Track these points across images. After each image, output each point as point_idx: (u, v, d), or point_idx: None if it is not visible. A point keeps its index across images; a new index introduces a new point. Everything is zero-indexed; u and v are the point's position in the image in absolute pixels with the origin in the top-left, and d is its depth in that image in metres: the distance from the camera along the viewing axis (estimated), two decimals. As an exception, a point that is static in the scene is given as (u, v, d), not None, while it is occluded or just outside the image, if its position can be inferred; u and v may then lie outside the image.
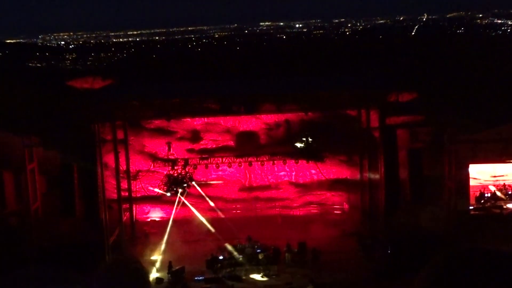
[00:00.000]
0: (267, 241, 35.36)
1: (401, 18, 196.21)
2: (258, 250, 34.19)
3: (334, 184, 42.29)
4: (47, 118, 35.08)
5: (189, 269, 33.31)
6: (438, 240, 31.67)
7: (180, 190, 37.73)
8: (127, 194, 39.18)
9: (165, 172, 38.94)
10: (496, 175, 37.03)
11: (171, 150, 39.46)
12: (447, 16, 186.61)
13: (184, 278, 32.41)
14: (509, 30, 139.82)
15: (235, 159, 38.83)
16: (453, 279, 2.45)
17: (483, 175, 37.00)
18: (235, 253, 34.19)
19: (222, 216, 38.13)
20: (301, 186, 42.84)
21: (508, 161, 34.95)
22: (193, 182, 38.34)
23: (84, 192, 33.66)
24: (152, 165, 40.36)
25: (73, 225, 33.94)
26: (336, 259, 33.92)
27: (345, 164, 42.03)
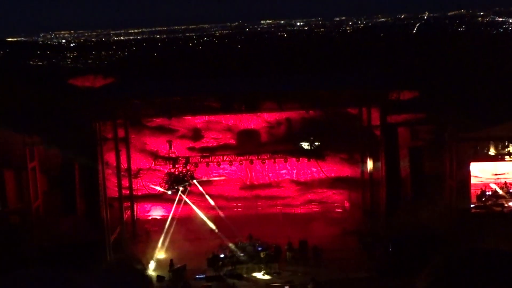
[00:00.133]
0: (268, 239, 35.36)
1: (402, 16, 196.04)
2: (259, 248, 34.19)
3: (335, 182, 42.29)
4: (48, 116, 35.09)
5: (190, 267, 33.34)
6: (439, 238, 31.68)
7: (181, 188, 37.72)
8: (128, 192, 39.20)
9: (166, 170, 38.90)
10: (497, 173, 37.02)
11: (172, 148, 39.41)
12: (448, 14, 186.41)
13: (185, 276, 32.43)
14: (510, 28, 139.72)
15: (236, 157, 38.79)
16: (454, 279, 2.46)
17: (484, 173, 36.99)
18: (236, 251, 34.22)
19: (222, 214, 38.09)
20: (302, 184, 42.83)
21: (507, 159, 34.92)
22: (194, 180, 38.32)
23: (85, 190, 33.68)
24: (153, 163, 40.34)
25: (74, 224, 33.96)
26: (337, 257, 33.92)
27: (346, 162, 42.02)
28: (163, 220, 39.67)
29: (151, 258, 34.57)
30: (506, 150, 34.28)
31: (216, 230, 36.73)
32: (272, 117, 42.02)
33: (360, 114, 37.94)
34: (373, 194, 36.36)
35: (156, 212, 41.76)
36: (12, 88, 42.58)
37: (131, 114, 36.54)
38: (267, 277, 32.48)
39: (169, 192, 37.88)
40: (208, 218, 37.79)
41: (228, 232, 36.54)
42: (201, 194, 38.56)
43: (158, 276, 32.04)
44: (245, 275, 32.72)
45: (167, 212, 40.57)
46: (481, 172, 36.78)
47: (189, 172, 38.00)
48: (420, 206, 33.83)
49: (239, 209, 41.91)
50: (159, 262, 34.30)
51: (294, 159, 39.41)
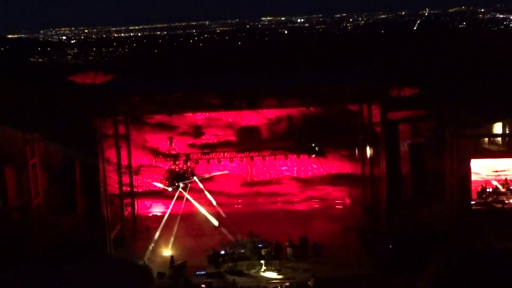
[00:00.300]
0: (268, 236, 35.39)
1: (403, 13, 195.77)
2: (260, 245, 34.23)
3: (336, 179, 42.31)
4: (48, 113, 35.08)
5: (191, 263, 33.37)
6: (440, 236, 31.71)
7: (181, 185, 37.75)
8: (128, 189, 39.24)
9: (166, 167, 38.95)
10: (498, 170, 37.00)
11: (173, 145, 39.46)
12: (449, 11, 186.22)
13: (185, 273, 32.47)
14: (511, 25, 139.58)
15: (236, 154, 38.84)
16: (456, 278, 2.44)
17: (485, 170, 36.97)
18: (237, 248, 34.26)
19: (222, 211, 38.13)
20: (302, 181, 42.86)
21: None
22: (195, 177, 38.34)
23: (85, 187, 33.69)
24: (154, 160, 40.37)
25: (74, 221, 33.99)
26: (337, 254, 33.96)
27: (347, 159, 42.03)
28: (164, 216, 39.72)
29: (153, 255, 34.62)
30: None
31: (218, 225, 36.82)
32: (273, 113, 42.05)
33: (360, 110, 37.94)
34: (374, 191, 36.36)
35: (157, 209, 41.80)
36: (13, 85, 42.55)
37: (131, 111, 36.53)
38: (267, 273, 32.52)
39: (170, 189, 37.93)
40: (209, 215, 37.83)
41: (229, 229, 36.58)
42: (202, 191, 38.60)
43: (158, 273, 32.07)
44: (245, 272, 32.77)
45: (167, 209, 40.62)
46: (483, 169, 36.76)
47: (189, 169, 38.04)
48: (421, 203, 33.85)
49: (239, 206, 41.95)
50: (161, 259, 34.33)
51: (295, 156, 39.45)
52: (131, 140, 40.02)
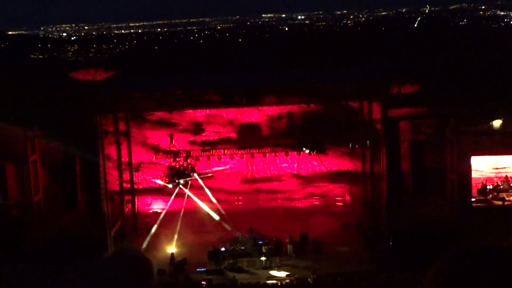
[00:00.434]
0: (269, 232, 35.43)
1: (404, 10, 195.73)
2: (260, 242, 34.26)
3: (336, 176, 42.30)
4: (49, 110, 35.07)
5: (191, 260, 33.40)
6: (440, 232, 31.72)
7: (182, 182, 37.78)
8: (129, 186, 39.26)
9: (167, 164, 38.97)
10: (498, 167, 37.02)
11: (173, 141, 39.48)
12: (450, 8, 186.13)
13: (185, 270, 32.50)
14: (511, 22, 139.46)
15: (237, 151, 38.85)
16: (467, 279, 2.38)
17: (486, 167, 36.99)
18: (237, 245, 34.29)
19: (221, 208, 38.17)
20: (303, 178, 42.86)
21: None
22: (195, 174, 38.37)
23: (86, 184, 33.71)
24: (154, 156, 40.37)
25: (75, 217, 34.01)
26: (337, 250, 34.00)
27: (347, 156, 42.03)
28: (164, 213, 39.74)
29: (153, 251, 34.64)
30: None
31: (222, 221, 36.88)
32: (273, 110, 42.02)
33: (361, 107, 37.92)
34: (374, 188, 36.35)
35: (157, 206, 41.80)
36: (13, 81, 42.56)
37: (132, 107, 36.55)
38: (267, 270, 32.54)
39: (170, 186, 37.97)
40: (210, 210, 37.88)
41: (229, 225, 36.64)
42: (202, 188, 38.63)
43: (158, 270, 32.07)
44: (245, 269, 32.80)
45: (168, 206, 40.64)
46: (486, 167, 36.79)
47: (190, 166, 38.06)
48: (421, 200, 33.85)
49: (240, 203, 41.96)
50: (161, 256, 34.36)
51: (295, 153, 39.44)
52: (132, 137, 40.04)
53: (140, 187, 41.21)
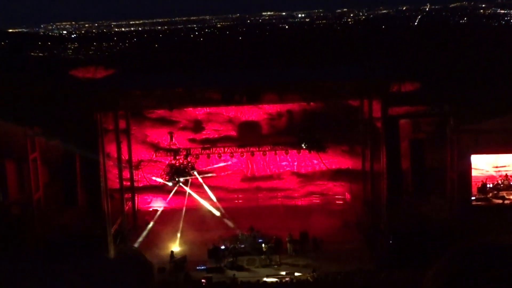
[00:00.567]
0: (269, 231, 35.43)
1: (404, 8, 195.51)
2: (260, 240, 34.27)
3: (336, 174, 42.32)
4: (49, 108, 35.02)
5: (191, 258, 33.41)
6: (440, 231, 31.72)
7: (181, 180, 37.78)
8: (129, 184, 39.25)
9: (167, 162, 38.98)
10: (498, 165, 36.97)
11: (173, 140, 39.48)
12: (450, 6, 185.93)
13: (185, 268, 32.51)
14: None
15: (237, 149, 38.84)
16: (468, 278, 2.36)
17: (486, 165, 36.93)
18: (237, 243, 34.29)
19: (221, 206, 38.18)
20: (303, 176, 42.87)
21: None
22: (195, 172, 38.36)
23: (86, 182, 33.66)
24: (154, 154, 40.39)
25: (75, 215, 33.99)
26: (337, 249, 33.99)
27: (347, 154, 42.03)
28: (164, 211, 39.76)
29: (153, 249, 34.68)
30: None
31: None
32: (273, 109, 42.03)
33: (361, 106, 37.90)
34: (374, 186, 36.34)
35: (157, 204, 41.82)
36: (13, 79, 42.54)
37: (132, 105, 36.52)
38: (267, 268, 32.54)
39: (170, 184, 37.98)
40: (209, 210, 37.88)
41: (229, 224, 36.66)
42: (202, 186, 38.64)
43: (158, 268, 32.11)
44: (245, 267, 32.81)
45: (168, 204, 40.66)
46: (487, 166, 36.73)
47: (190, 164, 38.06)
48: (421, 198, 33.83)
49: (240, 201, 41.98)
50: (160, 254, 34.38)
51: (295, 151, 39.43)
52: (132, 135, 40.04)
53: (140, 185, 41.22)
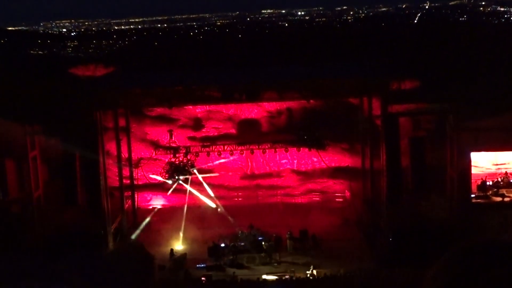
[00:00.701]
0: (269, 228, 35.45)
1: (404, 6, 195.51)
2: (260, 238, 34.28)
3: (336, 172, 42.31)
4: (49, 106, 35.03)
5: (191, 256, 33.42)
6: (440, 229, 31.73)
7: (181, 178, 37.79)
8: (129, 181, 39.25)
9: (166, 160, 38.97)
10: (498, 163, 36.99)
11: (173, 137, 39.47)
12: (450, 4, 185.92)
13: (185, 265, 32.51)
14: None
15: (237, 147, 38.84)
16: (471, 276, 2.35)
17: (485, 163, 36.95)
18: (237, 241, 34.30)
19: (220, 204, 38.20)
20: (302, 174, 42.86)
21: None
22: (195, 170, 38.36)
23: (86, 180, 33.69)
24: (154, 152, 40.39)
25: (75, 213, 34.01)
26: (337, 247, 33.99)
27: (347, 152, 42.03)
28: (164, 209, 39.79)
29: (156, 247, 34.69)
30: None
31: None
32: (273, 106, 42.02)
33: (361, 103, 37.90)
34: (374, 184, 36.36)
35: (157, 202, 41.83)
36: (13, 77, 42.51)
37: (132, 103, 36.53)
38: (267, 266, 32.55)
39: (170, 182, 37.98)
40: (209, 207, 37.89)
41: (229, 221, 36.65)
42: (202, 184, 38.64)
43: (158, 266, 32.11)
44: (245, 265, 32.82)
45: (167, 202, 40.68)
46: (488, 163, 36.75)
47: (189, 162, 38.06)
48: (421, 196, 33.85)
49: (239, 199, 41.98)
50: (162, 252, 34.40)
51: (295, 149, 39.44)
52: (131, 133, 40.03)
53: (140, 183, 41.22)
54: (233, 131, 42.34)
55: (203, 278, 30.82)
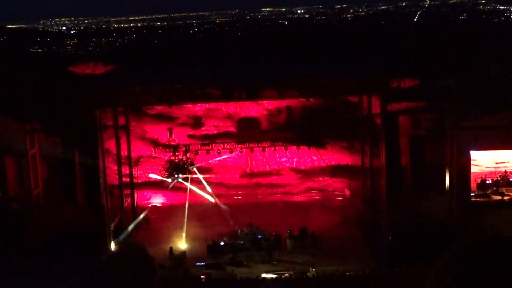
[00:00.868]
0: (268, 227, 35.43)
1: (403, 4, 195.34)
2: (259, 236, 34.27)
3: (336, 171, 42.30)
4: (48, 104, 35.01)
5: (190, 254, 33.41)
6: (439, 227, 31.74)
7: (181, 176, 37.78)
8: (128, 180, 39.23)
9: (166, 158, 38.95)
10: (498, 161, 37.01)
11: (173, 136, 39.45)
12: (449, 2, 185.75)
13: (185, 264, 32.50)
14: (511, 17, 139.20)
15: (236, 145, 38.82)
16: (476, 272, 2.34)
17: (486, 162, 36.97)
18: (236, 239, 34.29)
19: (219, 202, 38.21)
20: (302, 172, 42.85)
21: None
22: (194, 168, 38.35)
23: (85, 178, 33.69)
24: (154, 151, 40.35)
25: (74, 211, 34.02)
26: (337, 245, 33.99)
27: (347, 151, 42.02)
28: (163, 207, 39.79)
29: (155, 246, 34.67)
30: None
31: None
32: (273, 105, 42.01)
33: (360, 102, 37.90)
34: (374, 183, 36.36)
35: (156, 200, 41.82)
36: (13, 75, 42.48)
37: (131, 101, 36.52)
38: (266, 264, 32.54)
39: (169, 180, 37.97)
40: (209, 206, 37.88)
41: (228, 220, 36.65)
42: (201, 182, 38.64)
43: (158, 264, 32.05)
44: (245, 263, 32.80)
45: (167, 200, 40.67)
46: (489, 161, 36.76)
47: (189, 160, 38.04)
48: (420, 194, 33.86)
49: (239, 197, 41.97)
50: (159, 250, 34.38)
51: (295, 147, 39.43)
52: (131, 131, 40.01)
53: (140, 181, 41.21)
54: (232, 129, 42.34)
55: (202, 277, 30.82)
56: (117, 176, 36.92)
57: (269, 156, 42.31)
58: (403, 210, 33.15)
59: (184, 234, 35.55)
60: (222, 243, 33.85)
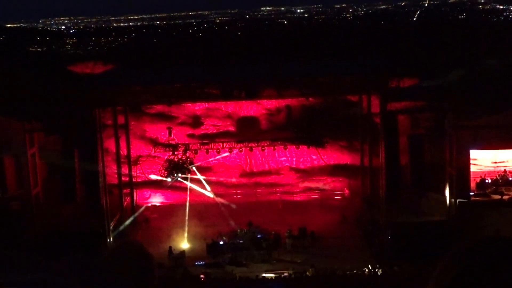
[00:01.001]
0: (267, 226, 35.44)
1: (403, 4, 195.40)
2: (259, 236, 34.27)
3: (335, 170, 42.31)
4: (47, 103, 35.01)
5: (190, 254, 33.40)
6: (439, 227, 31.75)
7: (180, 175, 37.79)
8: (127, 179, 39.23)
9: (165, 157, 38.95)
10: (497, 161, 36.96)
11: (172, 135, 39.46)
12: (449, 1, 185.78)
13: (184, 263, 32.49)
14: (511, 16, 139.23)
15: (236, 145, 38.83)
16: (479, 272, 2.32)
17: (485, 161, 36.93)
18: (236, 238, 34.29)
19: (218, 201, 38.22)
20: (301, 171, 42.86)
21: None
22: (194, 167, 38.36)
23: (85, 177, 33.69)
24: (153, 150, 40.36)
25: (74, 210, 34.00)
26: (336, 244, 34.00)
27: (346, 150, 42.03)
28: (163, 207, 39.79)
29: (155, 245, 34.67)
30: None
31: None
32: (272, 104, 42.02)
33: (360, 101, 37.90)
34: (373, 182, 36.37)
35: (156, 199, 41.81)
36: (12, 74, 42.47)
37: (131, 101, 36.51)
38: (266, 264, 32.54)
39: (169, 179, 37.97)
40: (208, 205, 37.89)
41: (227, 219, 36.66)
42: (201, 181, 38.65)
43: (157, 263, 32.05)
44: (244, 262, 32.80)
45: (166, 199, 40.67)
46: (488, 161, 36.73)
47: (188, 159, 38.06)
48: (420, 194, 33.85)
49: (238, 196, 41.96)
50: (162, 249, 34.38)
51: (294, 147, 39.43)
52: (130, 130, 40.01)
53: (139, 180, 41.21)
54: (232, 128, 42.34)
55: (202, 276, 30.80)
56: (116, 176, 36.91)
57: (268, 156, 42.31)
58: (402, 210, 33.16)
59: (184, 234, 35.55)
60: (221, 243, 33.84)
